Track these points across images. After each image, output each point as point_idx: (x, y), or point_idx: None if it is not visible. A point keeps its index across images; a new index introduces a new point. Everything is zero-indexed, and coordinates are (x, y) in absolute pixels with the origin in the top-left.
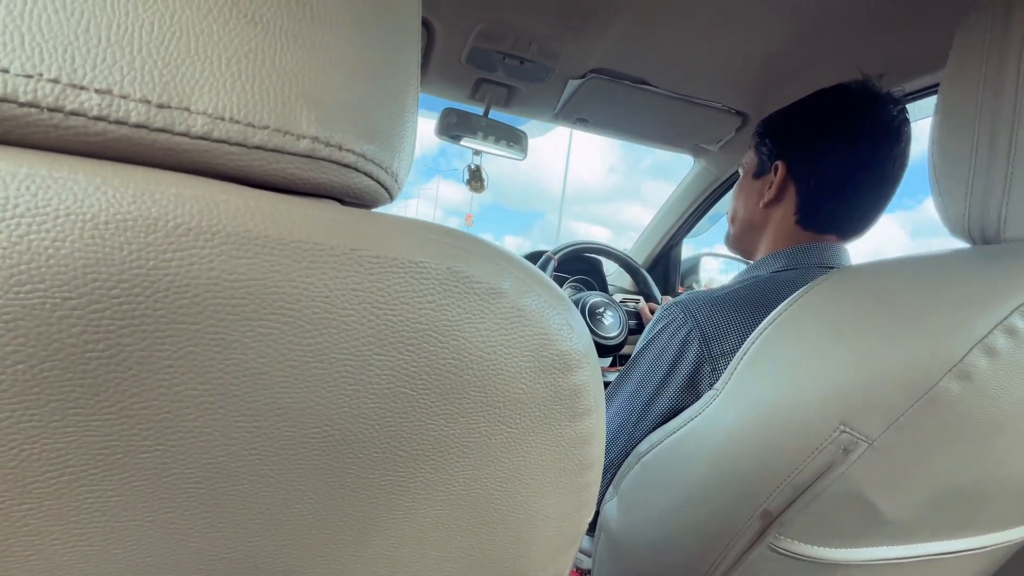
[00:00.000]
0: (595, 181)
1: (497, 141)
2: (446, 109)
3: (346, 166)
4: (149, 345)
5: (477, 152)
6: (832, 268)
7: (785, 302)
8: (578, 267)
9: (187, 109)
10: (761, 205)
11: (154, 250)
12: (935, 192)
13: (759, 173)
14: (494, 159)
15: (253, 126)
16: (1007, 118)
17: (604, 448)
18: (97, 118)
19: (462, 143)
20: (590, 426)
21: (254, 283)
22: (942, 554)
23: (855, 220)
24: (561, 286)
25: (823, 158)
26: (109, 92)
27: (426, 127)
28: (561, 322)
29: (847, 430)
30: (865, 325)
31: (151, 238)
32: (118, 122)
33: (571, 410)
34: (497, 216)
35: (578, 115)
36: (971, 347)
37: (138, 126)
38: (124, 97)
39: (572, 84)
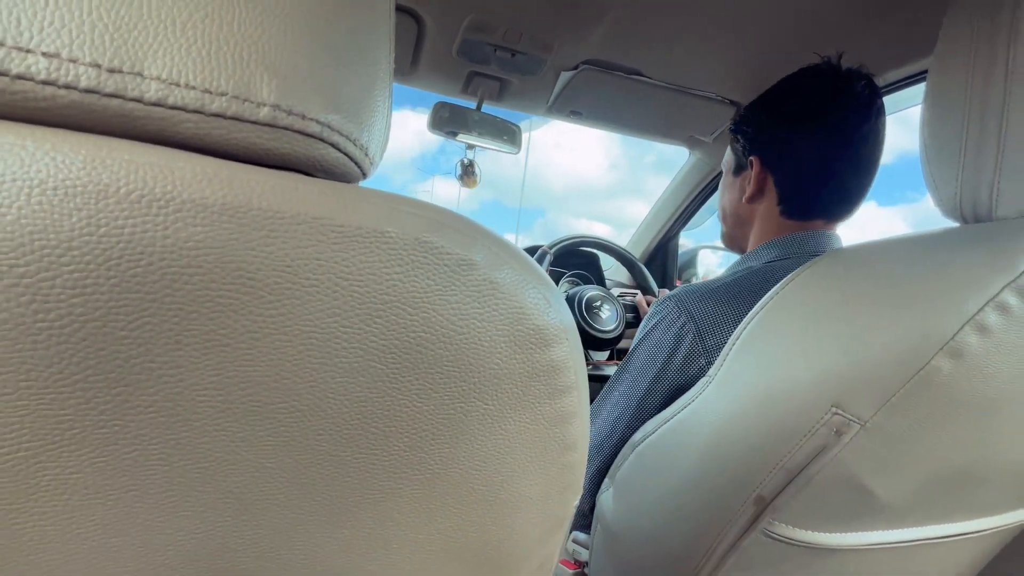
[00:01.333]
0: (597, 177)
1: (491, 135)
2: (438, 103)
3: (310, 136)
4: (103, 315)
5: (471, 147)
6: None
7: (775, 287)
8: (575, 261)
9: (140, 74)
10: (744, 200)
11: (105, 217)
12: (927, 173)
13: (738, 169)
14: (494, 156)
15: (210, 92)
16: (997, 97)
17: (587, 428)
18: (45, 82)
19: (456, 138)
20: (571, 404)
21: (212, 251)
22: (937, 538)
23: (839, 202)
24: (558, 281)
25: (794, 143)
26: (57, 55)
27: (422, 124)
28: (537, 296)
29: (839, 412)
30: (856, 306)
31: (101, 204)
32: (67, 87)
33: (550, 387)
34: (497, 213)
35: (571, 108)
36: (962, 324)
37: (88, 91)
38: (73, 61)
39: (565, 76)
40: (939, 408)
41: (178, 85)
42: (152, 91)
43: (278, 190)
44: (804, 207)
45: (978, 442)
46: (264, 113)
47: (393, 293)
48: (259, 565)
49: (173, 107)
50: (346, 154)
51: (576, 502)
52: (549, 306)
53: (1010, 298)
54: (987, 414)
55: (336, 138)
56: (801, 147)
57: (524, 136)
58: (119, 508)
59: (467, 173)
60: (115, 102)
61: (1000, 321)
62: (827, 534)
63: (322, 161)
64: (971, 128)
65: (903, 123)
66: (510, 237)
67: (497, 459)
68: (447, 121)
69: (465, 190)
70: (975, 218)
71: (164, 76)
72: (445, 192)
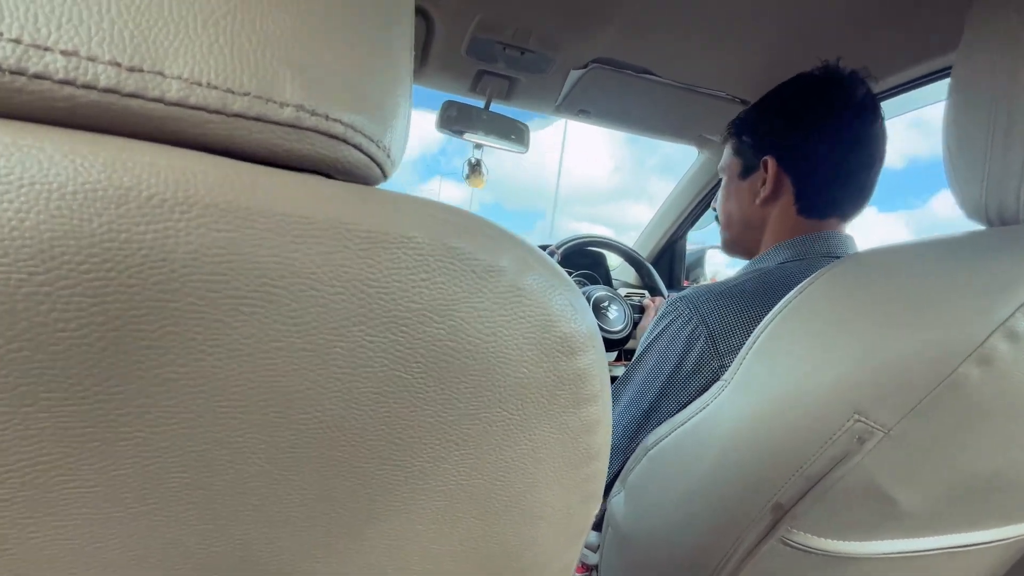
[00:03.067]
0: (600, 180)
1: (498, 134)
2: (447, 102)
3: (334, 137)
4: (124, 324)
5: (478, 146)
6: (839, 257)
7: (794, 290)
8: (581, 261)
9: (161, 73)
10: (757, 203)
11: (126, 222)
12: (950, 174)
13: (745, 172)
14: (496, 157)
15: (232, 92)
16: None
17: (610, 438)
18: (63, 82)
19: (464, 137)
20: (595, 413)
21: (235, 258)
22: (960, 547)
23: (854, 200)
24: None
25: (813, 142)
26: (75, 54)
27: (427, 123)
28: (564, 303)
29: (861, 419)
30: (879, 310)
31: (123, 209)
32: (86, 86)
33: (575, 396)
34: (498, 216)
35: (580, 107)
36: (992, 330)
37: (108, 91)
38: (92, 59)
39: (574, 75)
40: (965, 416)
41: (200, 84)
42: (173, 90)
43: (302, 194)
44: (823, 205)
45: (1004, 451)
46: (287, 114)
47: (420, 300)
48: None
49: (195, 107)
50: (369, 155)
51: (597, 512)
52: (576, 312)
53: None
54: (1014, 422)
55: (359, 139)
56: (820, 143)
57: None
58: (139, 522)
59: (474, 172)
60: (135, 102)
61: None
62: (847, 543)
63: (344, 163)
64: (997, 127)
65: (915, 127)
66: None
67: (521, 469)
68: (455, 120)
69: (469, 191)
70: (1001, 220)
71: (186, 75)
72: (447, 194)
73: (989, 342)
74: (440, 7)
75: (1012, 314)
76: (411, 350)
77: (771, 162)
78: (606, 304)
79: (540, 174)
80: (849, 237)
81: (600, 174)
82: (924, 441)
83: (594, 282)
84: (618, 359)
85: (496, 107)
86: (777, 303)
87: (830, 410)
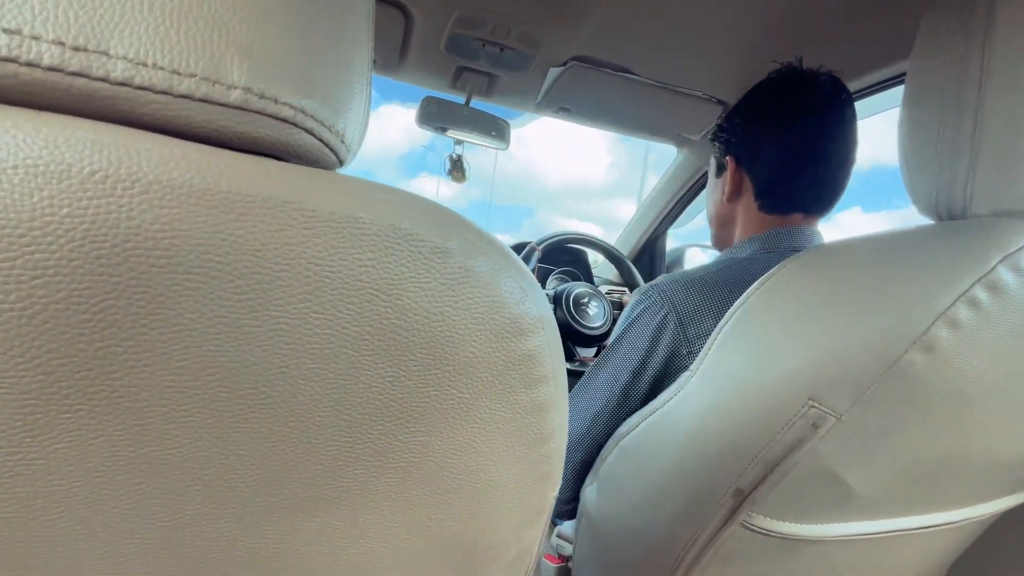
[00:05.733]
0: (595, 176)
1: (479, 131)
2: (426, 98)
3: (283, 120)
4: (65, 297)
5: (459, 142)
6: None
7: (757, 282)
8: (563, 258)
9: (106, 53)
10: (725, 200)
11: (67, 197)
12: (905, 173)
13: (719, 171)
14: (484, 154)
15: (179, 73)
16: (971, 97)
17: (565, 418)
18: (6, 59)
19: (445, 133)
20: (547, 394)
21: (179, 234)
22: (913, 529)
23: (814, 196)
24: (547, 278)
25: (762, 140)
26: (19, 32)
27: (411, 119)
28: (513, 285)
29: (815, 405)
30: (833, 301)
31: (64, 184)
32: (29, 64)
33: (526, 376)
34: (487, 212)
35: (560, 104)
36: (934, 319)
37: (52, 69)
38: (36, 38)
39: (553, 72)
40: (913, 401)
41: (145, 65)
42: (118, 70)
43: (248, 173)
44: (781, 200)
45: (952, 434)
46: (235, 96)
47: (366, 279)
48: (229, 555)
49: (140, 87)
50: (321, 140)
51: (555, 493)
52: (525, 295)
53: (980, 293)
54: (960, 407)
55: (310, 123)
56: (768, 141)
57: (514, 132)
58: (83, 496)
59: (456, 168)
60: (80, 81)
61: (970, 315)
62: (805, 526)
63: (296, 147)
64: (947, 128)
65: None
66: (514, 239)
67: (473, 447)
68: (435, 116)
69: (454, 186)
70: (950, 216)
71: (131, 56)
72: (432, 190)
73: (932, 330)
74: (419, 2)
75: (953, 303)
76: (358, 328)
77: (730, 161)
78: (586, 300)
79: (530, 170)
80: (816, 232)
81: (595, 170)
82: (874, 426)
83: (575, 279)
84: (598, 354)
85: (477, 103)
86: (743, 291)
87: (787, 397)
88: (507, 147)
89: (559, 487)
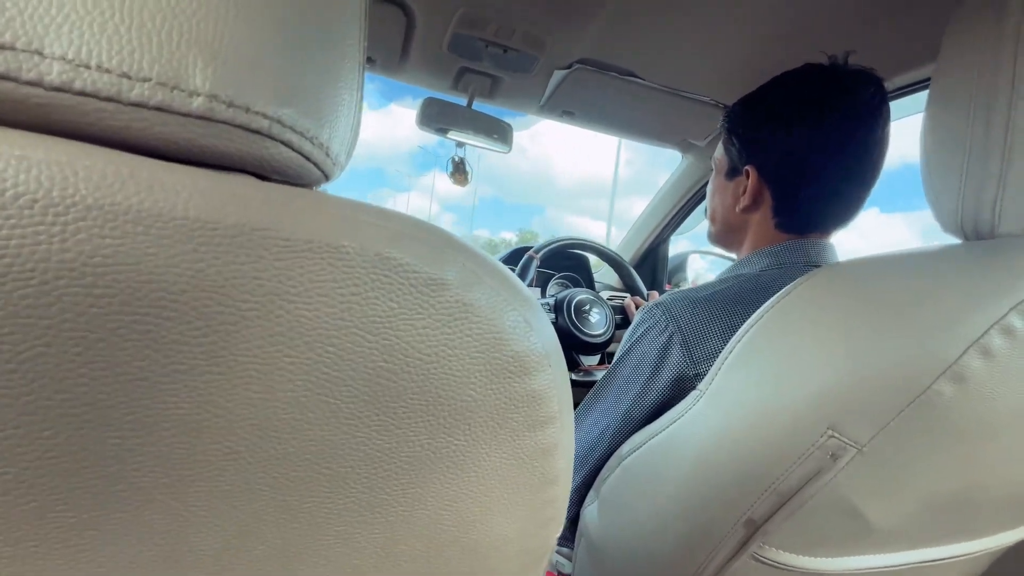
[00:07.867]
0: (611, 174)
1: (481, 133)
2: (427, 99)
3: (256, 132)
4: None
5: (460, 144)
6: (819, 266)
7: (771, 300)
8: (564, 264)
9: (39, 52)
10: (738, 210)
11: None
12: (927, 186)
13: (731, 173)
14: (496, 152)
15: (129, 77)
16: (1002, 110)
17: (571, 460)
18: None
19: (446, 135)
20: (553, 436)
21: (124, 268)
22: (928, 561)
23: (837, 215)
24: (547, 283)
25: (792, 146)
26: None
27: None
28: (517, 319)
29: (835, 435)
30: (854, 324)
31: None
32: None
33: (530, 418)
34: (497, 210)
35: (564, 107)
36: (966, 348)
37: None
38: None
39: (558, 75)
40: (938, 433)
41: (88, 67)
42: (54, 73)
43: (211, 195)
44: (801, 221)
45: (976, 466)
46: (198, 104)
47: (349, 317)
48: None
49: (81, 93)
50: (301, 154)
51: (558, 534)
52: (530, 329)
53: (1016, 320)
54: (986, 438)
55: (289, 135)
56: (800, 149)
57: (519, 133)
58: (26, 566)
59: (458, 170)
60: (7, 85)
61: (1005, 344)
62: (818, 559)
63: (272, 162)
64: (974, 139)
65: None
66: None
67: (470, 498)
68: (437, 117)
69: (470, 185)
70: (976, 235)
71: (70, 55)
72: (447, 187)
73: (963, 360)
74: (421, 1)
75: (986, 331)
76: (339, 373)
77: (752, 172)
78: (588, 307)
79: (543, 168)
80: (830, 246)
81: (611, 167)
82: (897, 458)
83: (577, 284)
84: (600, 362)
85: (479, 106)
86: (753, 310)
87: (804, 425)
88: (509, 150)
89: (563, 525)
